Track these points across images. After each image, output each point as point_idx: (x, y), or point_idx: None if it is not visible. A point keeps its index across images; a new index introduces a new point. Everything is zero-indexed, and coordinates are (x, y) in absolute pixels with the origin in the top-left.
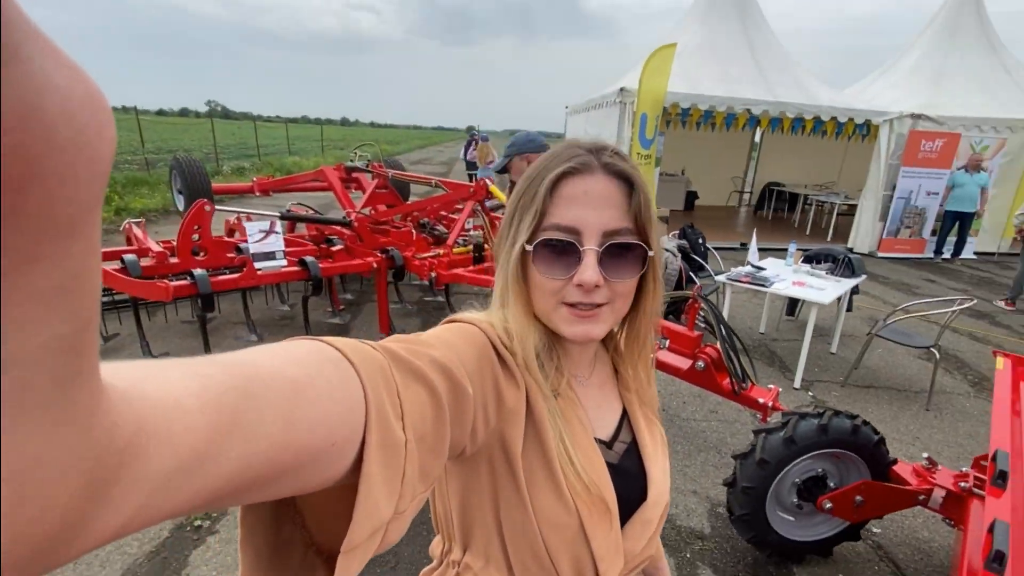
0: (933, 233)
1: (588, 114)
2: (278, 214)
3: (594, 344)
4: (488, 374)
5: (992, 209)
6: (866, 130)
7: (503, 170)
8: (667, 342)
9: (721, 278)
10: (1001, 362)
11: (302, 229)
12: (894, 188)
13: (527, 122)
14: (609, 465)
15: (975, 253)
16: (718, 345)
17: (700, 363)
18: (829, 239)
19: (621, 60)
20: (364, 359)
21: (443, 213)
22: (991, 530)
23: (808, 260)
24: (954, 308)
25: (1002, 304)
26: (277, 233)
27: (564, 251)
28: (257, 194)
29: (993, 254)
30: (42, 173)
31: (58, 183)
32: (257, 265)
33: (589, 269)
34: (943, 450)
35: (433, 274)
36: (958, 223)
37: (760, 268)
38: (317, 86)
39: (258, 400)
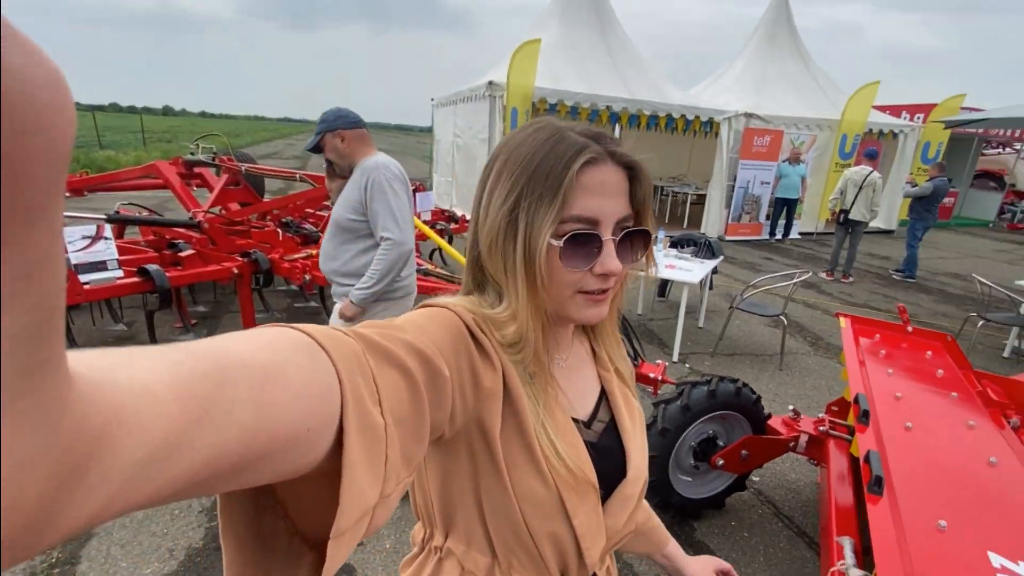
0: (767, 218)
1: (456, 107)
2: (104, 216)
3: (571, 326)
4: (464, 357)
5: (809, 195)
6: (710, 127)
7: (316, 149)
8: None
9: None
10: (843, 322)
11: (135, 233)
12: (735, 179)
13: (390, 114)
14: (588, 444)
15: (799, 233)
16: None
17: None
18: (685, 226)
19: (483, 53)
20: (336, 345)
21: (309, 210)
22: (867, 460)
23: (673, 245)
24: (794, 280)
25: (824, 275)
26: (107, 239)
27: (585, 242)
28: (68, 195)
29: (812, 234)
30: (3, 156)
31: (18, 167)
32: (84, 278)
33: (610, 259)
34: (796, 402)
35: (307, 276)
36: (785, 208)
37: None
38: (129, 69)
39: (229, 387)
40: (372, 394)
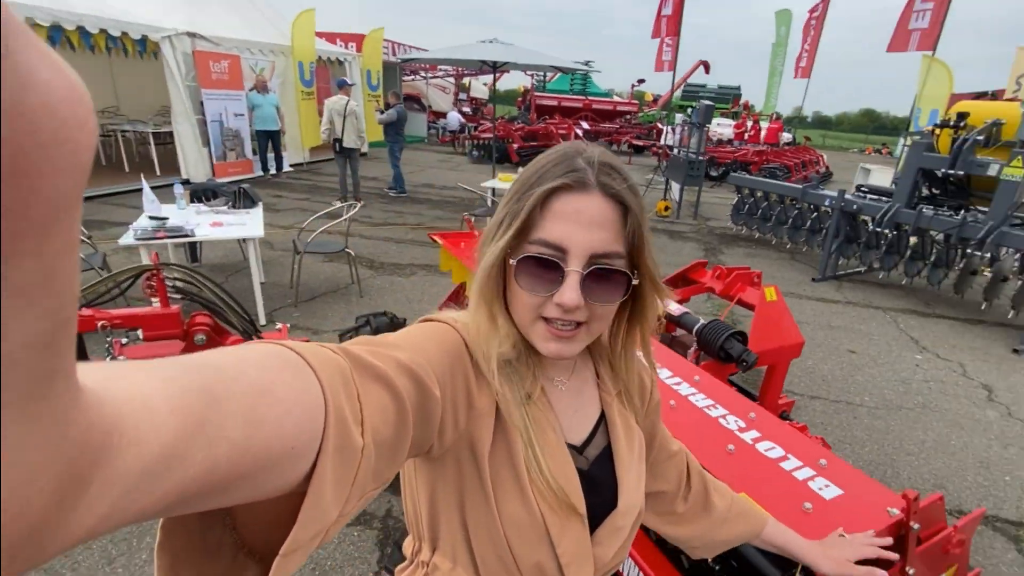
0: (255, 152)
1: None
2: None
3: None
4: (459, 375)
5: (289, 125)
6: (144, 47)
7: None
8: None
9: (129, 240)
10: (441, 241)
11: None
12: (203, 112)
13: None
14: (579, 471)
15: (291, 165)
16: (206, 308)
17: (199, 336)
18: (159, 172)
19: None
20: (324, 364)
21: None
22: None
23: (195, 199)
24: (346, 216)
25: (338, 203)
26: None
27: (548, 268)
28: None
29: (303, 164)
30: (25, 167)
31: (40, 177)
32: None
33: (570, 290)
34: (395, 309)
35: None
36: (269, 141)
37: (164, 218)
38: None
39: (221, 402)
40: (355, 413)
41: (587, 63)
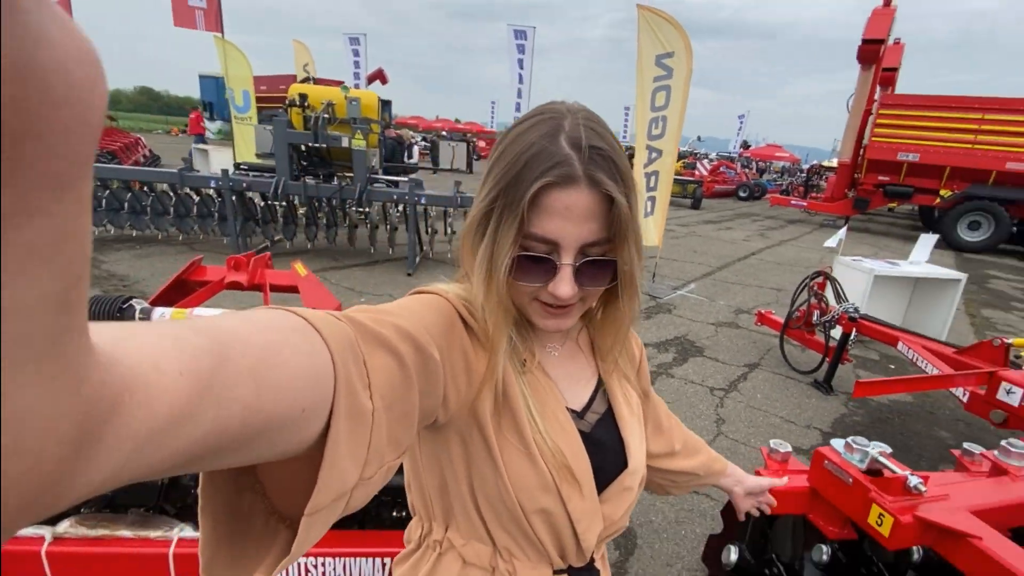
0: None
1: None
2: None
3: None
4: (456, 342)
5: None
6: None
7: None
8: None
9: None
10: None
11: None
12: None
13: None
14: (582, 434)
15: None
16: None
17: None
18: None
19: None
20: (331, 329)
21: None
22: None
23: None
24: None
25: None
26: None
27: (541, 262)
28: None
29: None
30: (37, 127)
31: (52, 137)
32: None
33: (565, 283)
34: None
35: None
36: None
37: None
38: None
39: (231, 364)
40: (363, 378)
41: None
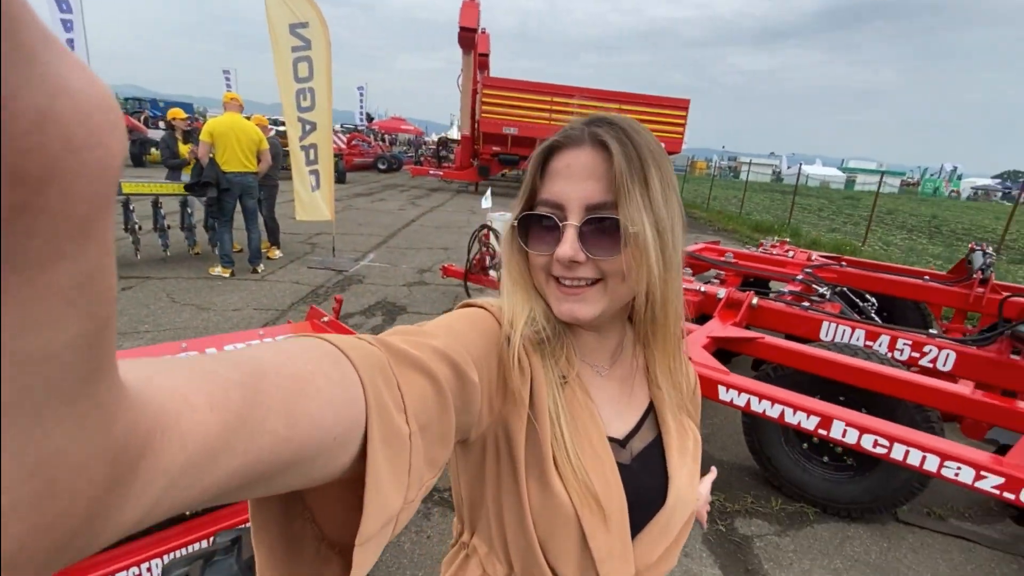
0: None
1: None
2: None
3: (617, 334)
4: (494, 358)
5: None
6: None
7: None
8: None
9: None
10: None
11: None
12: None
13: None
14: (620, 466)
15: None
16: None
17: None
18: None
19: None
20: (362, 355)
21: None
22: None
23: None
24: None
25: None
26: None
27: (549, 226)
28: None
29: None
30: (60, 173)
31: (74, 182)
32: None
33: (566, 244)
34: None
35: None
36: None
37: None
38: None
39: (262, 396)
40: (397, 401)
41: None
